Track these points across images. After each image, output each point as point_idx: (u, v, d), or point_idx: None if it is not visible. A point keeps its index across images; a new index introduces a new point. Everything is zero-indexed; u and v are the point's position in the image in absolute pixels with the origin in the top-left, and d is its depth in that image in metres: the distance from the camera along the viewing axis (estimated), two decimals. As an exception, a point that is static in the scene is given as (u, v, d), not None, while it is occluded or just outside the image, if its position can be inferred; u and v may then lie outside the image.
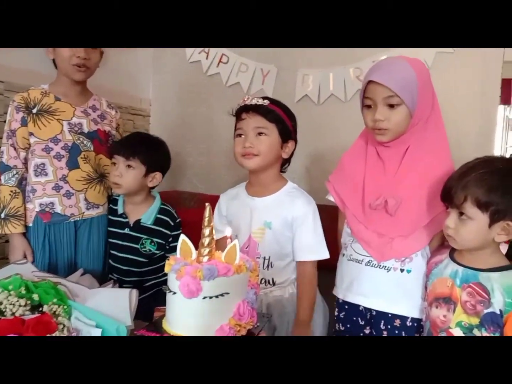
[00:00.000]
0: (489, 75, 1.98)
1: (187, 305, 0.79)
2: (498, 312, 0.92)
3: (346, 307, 1.28)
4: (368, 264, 1.20)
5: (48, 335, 0.83)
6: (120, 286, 1.44)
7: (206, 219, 0.84)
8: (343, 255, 1.28)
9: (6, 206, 1.41)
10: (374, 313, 1.21)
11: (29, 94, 1.45)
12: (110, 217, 1.53)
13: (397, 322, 1.18)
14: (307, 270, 1.27)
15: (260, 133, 1.23)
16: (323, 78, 2.21)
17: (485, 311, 0.94)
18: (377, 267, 1.18)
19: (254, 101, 1.23)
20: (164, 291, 0.83)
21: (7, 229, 1.40)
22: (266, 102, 1.23)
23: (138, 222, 1.48)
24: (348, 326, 1.28)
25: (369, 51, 2.08)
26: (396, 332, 1.17)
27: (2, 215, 1.40)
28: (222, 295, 0.79)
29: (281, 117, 1.25)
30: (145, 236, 1.47)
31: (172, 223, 1.50)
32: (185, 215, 2.15)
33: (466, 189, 0.94)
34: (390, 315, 1.18)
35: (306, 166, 2.29)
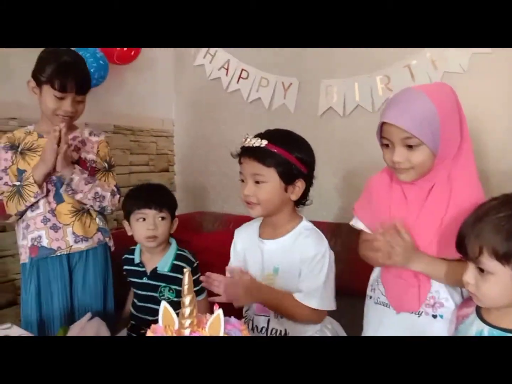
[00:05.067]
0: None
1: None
2: None
3: None
4: None
5: None
6: (139, 334, 1.41)
7: (186, 287, 0.75)
8: (370, 297, 1.16)
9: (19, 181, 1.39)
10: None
11: (14, 134, 1.45)
12: (126, 267, 1.50)
13: None
14: (297, 305, 1.13)
15: (257, 181, 1.12)
16: (348, 88, 2.07)
17: None
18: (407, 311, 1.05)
19: (251, 143, 1.11)
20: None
21: (27, 175, 1.37)
22: (264, 142, 1.09)
23: (155, 270, 1.44)
24: None
25: (397, 56, 1.92)
26: None
27: (18, 184, 1.39)
28: (203, 376, 0.70)
29: (282, 159, 1.10)
30: (163, 284, 1.43)
31: (189, 268, 1.44)
32: (210, 240, 2.11)
33: (481, 238, 0.79)
34: None
35: (335, 184, 2.16)
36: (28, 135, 1.45)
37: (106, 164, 1.55)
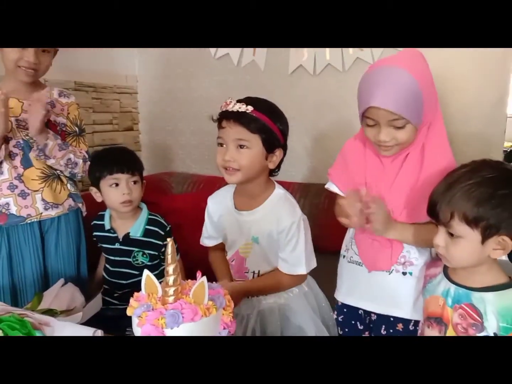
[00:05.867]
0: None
1: (150, 353, 0.71)
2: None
3: (345, 310, 1.22)
4: None
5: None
6: (113, 299, 1.42)
7: (169, 256, 0.75)
8: (344, 257, 1.21)
9: None
10: (374, 317, 1.15)
11: None
12: (96, 233, 1.47)
13: (400, 326, 1.11)
14: (282, 278, 1.20)
15: (241, 146, 1.10)
16: (318, 46, 2.03)
17: (478, 335, 0.84)
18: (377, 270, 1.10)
19: (236, 107, 1.08)
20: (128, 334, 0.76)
21: None
22: (250, 108, 1.08)
23: (127, 235, 1.41)
24: (347, 330, 1.23)
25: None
26: None
27: None
28: (189, 342, 0.71)
29: (266, 126, 1.10)
30: (136, 249, 1.41)
31: (162, 232, 1.43)
32: (180, 201, 2.09)
33: (452, 204, 0.82)
34: (392, 319, 1.12)
35: (304, 143, 2.16)
36: None
37: (76, 128, 1.48)
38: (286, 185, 2.06)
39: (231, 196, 1.24)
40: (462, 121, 1.88)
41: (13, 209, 1.36)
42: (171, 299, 0.75)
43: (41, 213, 1.40)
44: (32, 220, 1.40)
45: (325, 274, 1.27)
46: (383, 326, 1.13)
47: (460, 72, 1.86)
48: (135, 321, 0.74)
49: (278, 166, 1.19)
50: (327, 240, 1.45)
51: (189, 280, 0.83)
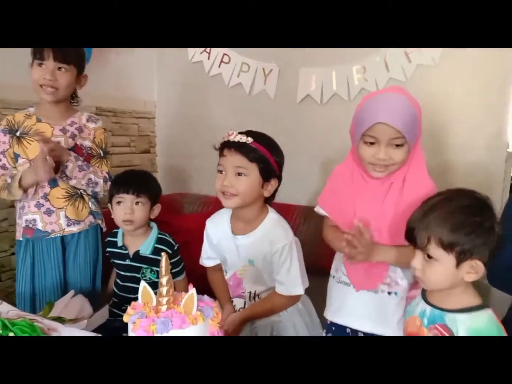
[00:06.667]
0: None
1: (142, 357, 0.79)
2: None
3: (333, 328, 1.27)
4: None
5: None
6: (121, 311, 1.48)
7: (163, 268, 0.83)
8: (333, 277, 1.27)
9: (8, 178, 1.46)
10: (361, 335, 1.20)
11: (14, 117, 1.49)
12: (109, 249, 1.56)
13: None
14: (277, 299, 1.27)
15: (239, 173, 1.19)
16: (325, 77, 2.13)
17: None
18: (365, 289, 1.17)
19: (237, 138, 1.18)
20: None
21: (16, 178, 1.42)
22: (250, 140, 1.17)
23: (137, 253, 1.50)
24: None
25: (372, 49, 1.99)
26: None
27: (9, 180, 1.46)
28: (176, 348, 0.79)
29: (264, 156, 1.19)
30: (145, 266, 1.50)
31: (170, 252, 1.51)
32: (190, 221, 2.18)
33: (429, 229, 0.88)
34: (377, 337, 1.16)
35: (312, 170, 2.24)
36: (27, 118, 1.49)
37: (101, 151, 1.61)
38: (292, 208, 2.16)
39: (229, 220, 1.31)
40: (464, 151, 1.94)
41: (39, 225, 1.50)
42: (163, 308, 0.82)
43: (64, 229, 1.53)
44: (56, 235, 1.52)
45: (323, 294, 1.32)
46: None
47: (462, 103, 1.92)
48: (130, 327, 0.82)
49: (273, 195, 1.28)
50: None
51: (182, 292, 0.90)
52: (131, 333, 0.81)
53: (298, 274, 1.24)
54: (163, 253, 0.83)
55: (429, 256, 0.90)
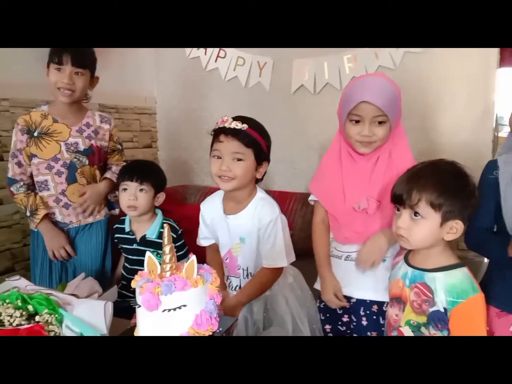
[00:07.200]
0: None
1: (149, 317, 0.87)
2: (443, 310, 0.96)
3: None
4: (347, 258, 1.30)
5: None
6: (129, 292, 1.58)
7: (166, 238, 0.92)
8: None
9: (27, 206, 1.58)
10: (354, 300, 1.30)
11: (31, 117, 1.58)
12: (117, 235, 1.66)
13: (375, 308, 1.27)
14: (263, 273, 1.34)
15: (237, 159, 1.26)
16: (318, 67, 2.22)
17: (430, 309, 0.98)
18: (354, 260, 1.28)
19: (233, 125, 1.24)
20: (133, 305, 0.92)
21: (36, 221, 1.57)
22: (245, 126, 1.24)
23: (144, 237, 1.59)
24: (328, 315, 1.38)
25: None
26: (374, 317, 1.27)
27: (28, 214, 1.59)
28: (180, 307, 0.87)
29: (257, 141, 1.27)
30: (151, 249, 1.57)
31: (174, 236, 1.59)
32: (191, 210, 2.27)
33: (423, 191, 0.97)
34: (368, 301, 1.27)
35: (308, 158, 2.32)
36: (44, 118, 1.58)
37: (119, 146, 1.78)
38: (289, 195, 2.25)
39: (221, 201, 1.39)
40: (452, 132, 2.01)
41: (59, 217, 1.63)
42: (167, 274, 0.91)
43: (80, 220, 1.66)
44: (74, 226, 1.65)
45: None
46: (362, 308, 1.28)
47: (449, 87, 2.00)
48: (137, 291, 0.90)
49: (263, 177, 1.36)
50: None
51: (183, 261, 0.99)
52: (138, 296, 0.89)
53: (283, 247, 1.31)
54: (165, 224, 0.92)
55: (416, 214, 0.98)
